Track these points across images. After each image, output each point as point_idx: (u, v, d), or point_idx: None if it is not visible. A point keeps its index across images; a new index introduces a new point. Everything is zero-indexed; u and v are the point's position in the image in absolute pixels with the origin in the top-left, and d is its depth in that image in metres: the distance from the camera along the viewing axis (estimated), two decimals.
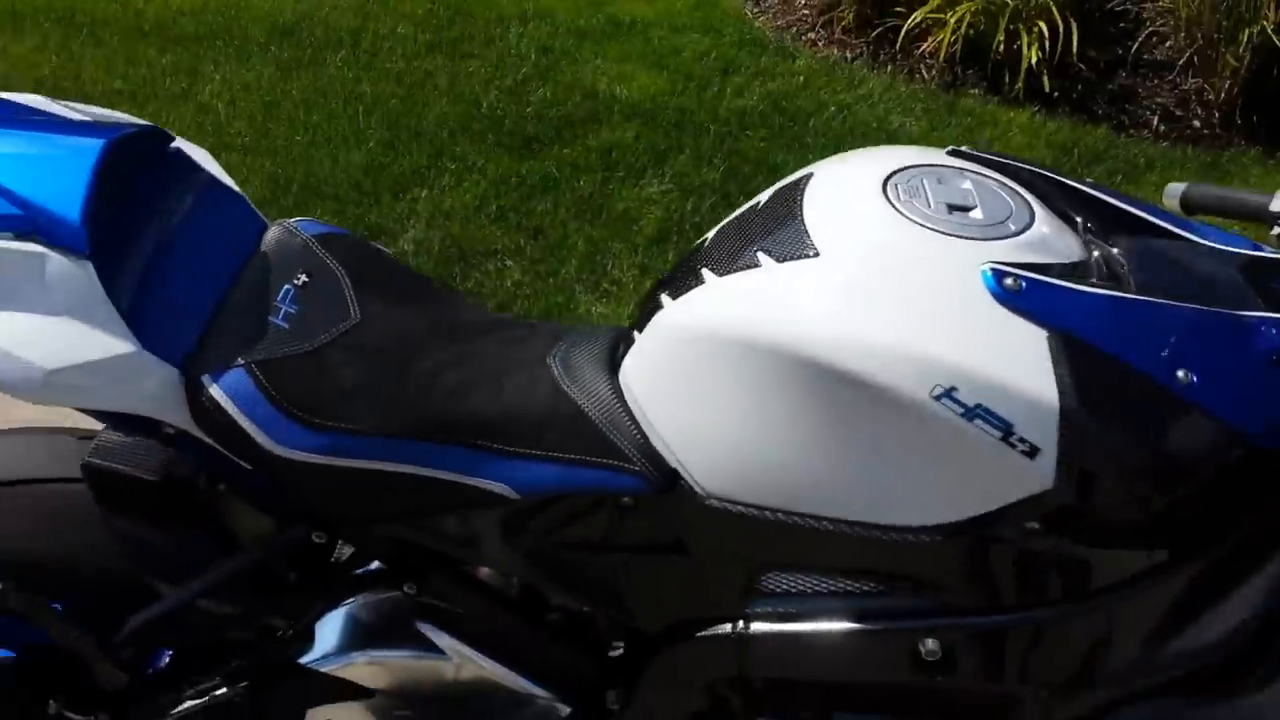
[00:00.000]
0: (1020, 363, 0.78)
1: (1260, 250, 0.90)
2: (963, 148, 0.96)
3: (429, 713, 1.02)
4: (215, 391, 0.87)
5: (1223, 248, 0.90)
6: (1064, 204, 0.91)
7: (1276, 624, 0.86)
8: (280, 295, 0.92)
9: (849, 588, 0.89)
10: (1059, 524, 0.81)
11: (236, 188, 0.98)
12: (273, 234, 0.98)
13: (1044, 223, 0.87)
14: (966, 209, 0.86)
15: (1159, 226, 0.91)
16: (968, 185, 0.88)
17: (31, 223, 0.82)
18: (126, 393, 0.86)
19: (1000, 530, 0.81)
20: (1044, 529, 0.81)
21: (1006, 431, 0.77)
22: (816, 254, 0.84)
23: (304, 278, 0.94)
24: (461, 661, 1.00)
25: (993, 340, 0.79)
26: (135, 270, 0.86)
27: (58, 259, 0.82)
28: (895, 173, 0.89)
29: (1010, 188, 0.90)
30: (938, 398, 0.78)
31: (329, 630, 1.01)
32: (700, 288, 0.87)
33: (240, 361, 0.88)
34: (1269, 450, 0.79)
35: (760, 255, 0.86)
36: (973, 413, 0.77)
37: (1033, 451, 0.77)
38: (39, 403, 0.85)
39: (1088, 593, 0.84)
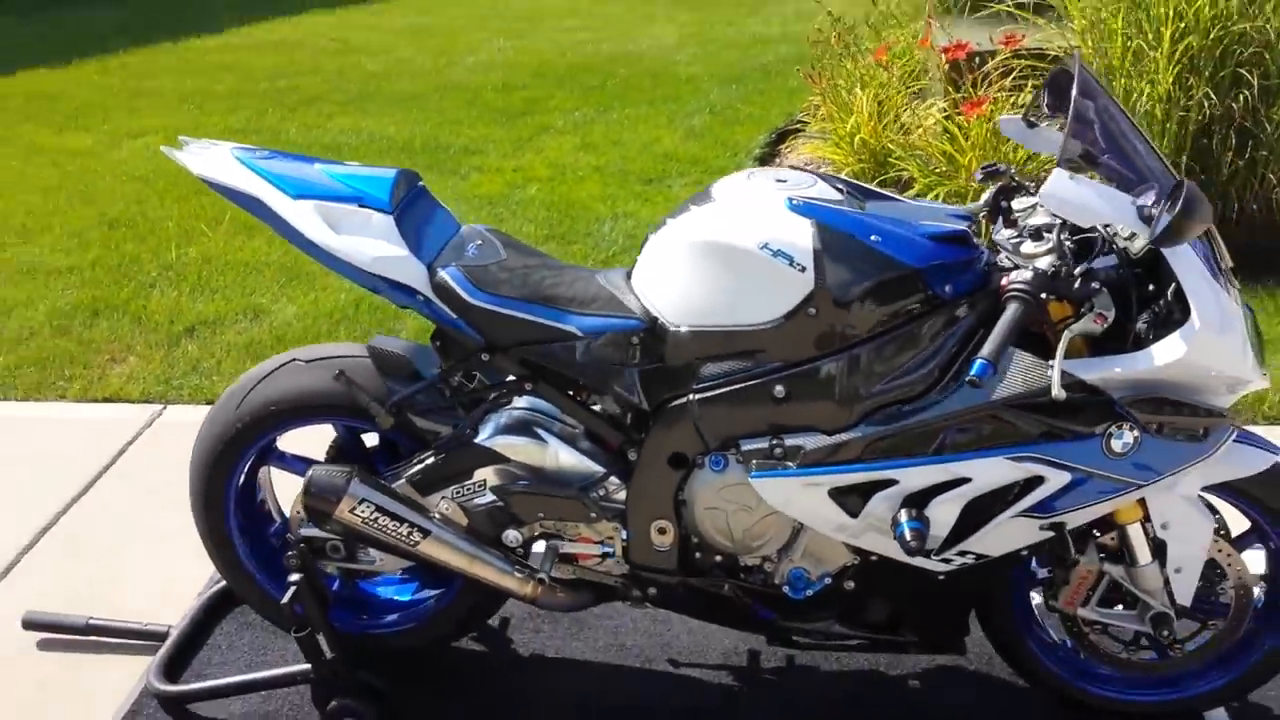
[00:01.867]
0: (798, 230, 1.75)
1: (934, 210, 1.87)
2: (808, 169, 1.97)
3: (529, 469, 1.96)
4: (443, 275, 1.87)
5: (914, 204, 1.87)
6: (843, 186, 1.90)
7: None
8: (469, 247, 1.95)
9: (739, 366, 1.82)
10: (822, 306, 1.75)
11: (439, 202, 2.05)
12: (465, 228, 2.02)
13: (824, 189, 1.85)
14: (797, 185, 1.85)
15: (884, 195, 1.90)
16: (805, 179, 1.88)
17: (360, 201, 1.89)
18: (403, 274, 1.88)
19: (797, 311, 1.75)
20: (816, 312, 1.75)
21: (791, 262, 1.74)
22: (712, 201, 1.85)
23: (479, 241, 1.98)
24: (550, 439, 1.95)
25: (785, 224, 1.76)
26: (410, 222, 1.91)
27: (378, 215, 1.88)
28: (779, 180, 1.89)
29: (822, 181, 1.89)
30: (762, 248, 1.75)
31: (488, 421, 1.97)
32: (664, 224, 1.88)
33: (454, 264, 1.89)
34: (915, 270, 1.73)
35: (693, 206, 1.87)
36: (777, 255, 1.74)
37: (803, 269, 1.73)
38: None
39: (841, 346, 1.77)
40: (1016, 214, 1.87)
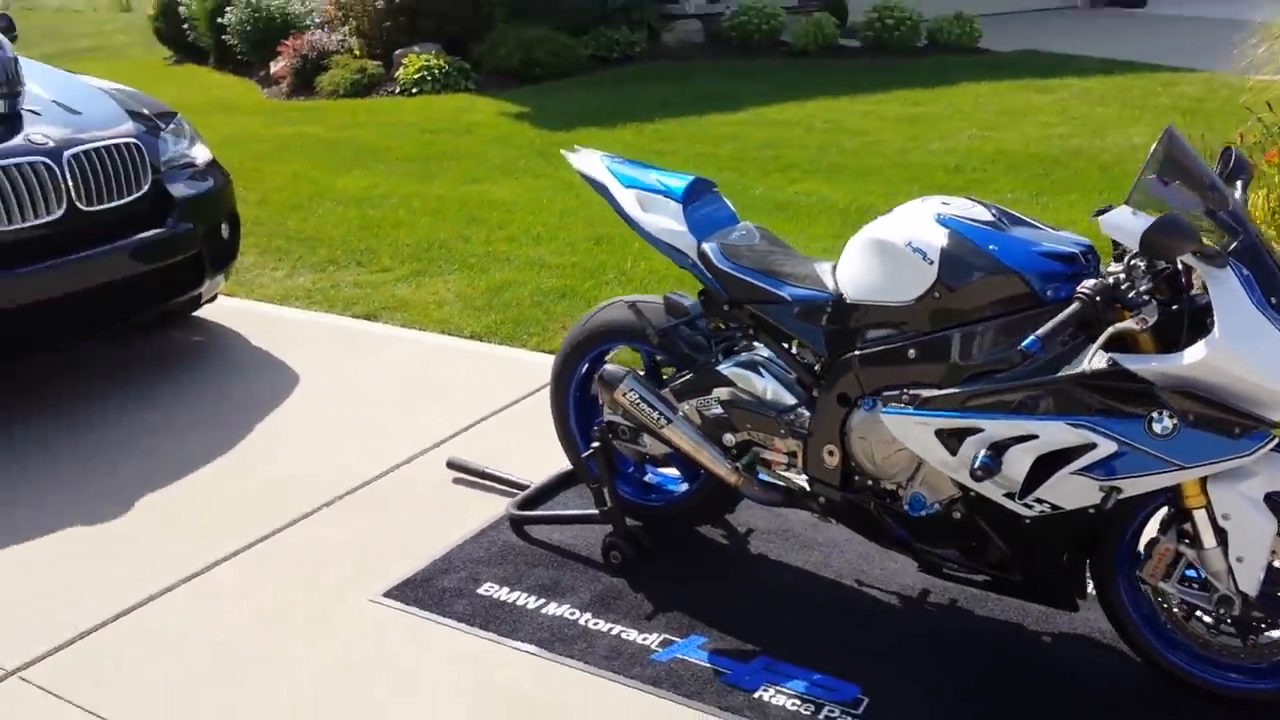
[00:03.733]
0: (935, 234, 2.40)
1: (1064, 238, 2.40)
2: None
3: (747, 393, 2.75)
4: (705, 247, 2.75)
5: (1052, 232, 2.42)
6: (996, 213, 2.48)
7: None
8: (734, 233, 2.81)
9: (888, 333, 2.49)
10: (942, 292, 2.37)
11: (730, 205, 2.92)
12: (741, 223, 2.88)
13: (978, 211, 2.47)
14: (956, 207, 2.49)
15: (1031, 224, 2.46)
16: (966, 204, 2.51)
17: (665, 193, 2.83)
18: (679, 242, 2.78)
19: (925, 295, 2.39)
20: (939, 296, 2.38)
21: (924, 257, 2.39)
22: (890, 213, 2.55)
23: (744, 231, 2.82)
24: (765, 375, 2.74)
25: (927, 229, 2.42)
26: (695, 211, 2.82)
27: (672, 203, 2.81)
28: (944, 203, 2.54)
29: (980, 207, 2.51)
30: (906, 245, 2.42)
31: (727, 356, 2.81)
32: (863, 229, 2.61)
33: (715, 240, 2.76)
34: (1017, 272, 2.30)
35: (880, 218, 2.58)
36: (915, 251, 2.40)
37: (931, 263, 2.38)
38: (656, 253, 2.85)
39: (955, 323, 2.37)
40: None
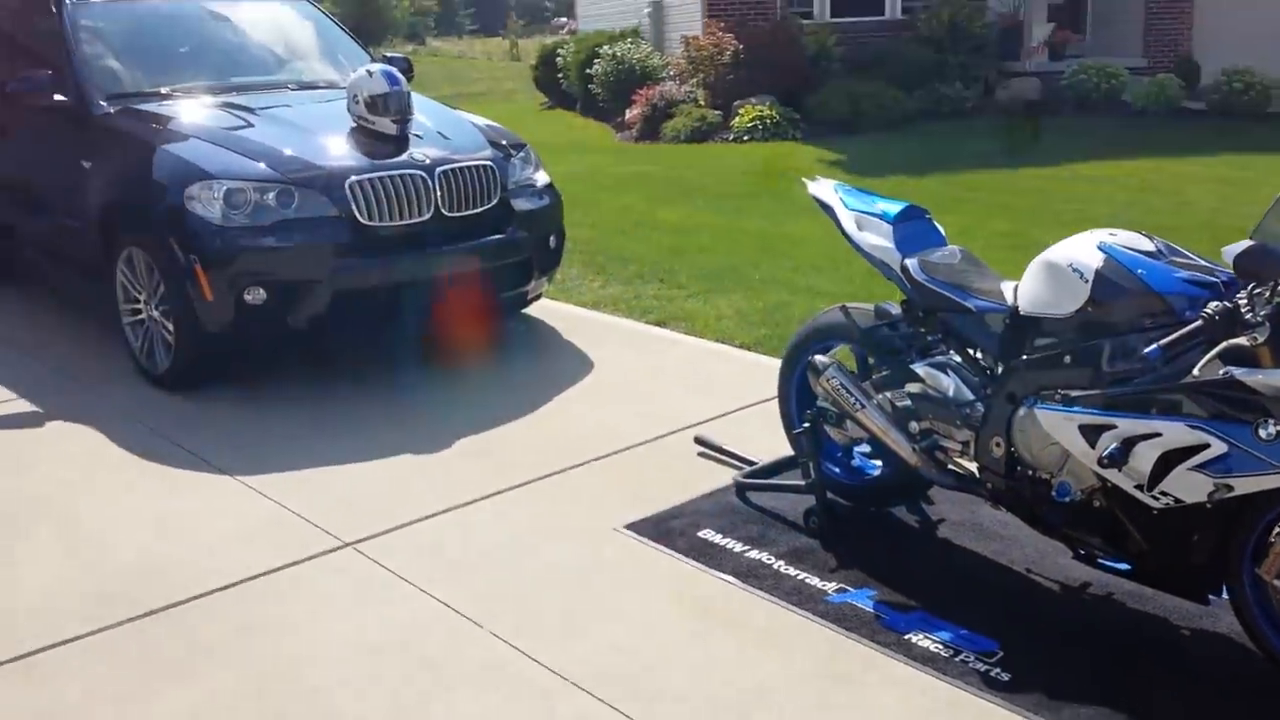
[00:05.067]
0: (1093, 258, 2.79)
1: (1216, 269, 2.71)
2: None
3: (933, 389, 3.21)
4: (907, 262, 3.26)
5: (1205, 263, 2.74)
6: (1163, 247, 2.82)
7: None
8: (937, 253, 3.29)
9: (1050, 341, 2.89)
10: (1093, 308, 2.76)
11: (941, 230, 3.41)
12: (948, 246, 3.35)
13: (1141, 242, 2.82)
14: (1122, 238, 2.86)
15: (1190, 256, 2.79)
16: (1133, 236, 2.88)
17: (880, 216, 3.36)
18: (886, 257, 3.31)
19: (1080, 309, 2.79)
20: (1090, 311, 2.77)
21: (1081, 277, 2.79)
22: (1064, 240, 2.96)
23: (948, 252, 3.29)
24: (949, 374, 3.19)
25: (1088, 254, 2.81)
26: (904, 231, 3.32)
27: (884, 224, 3.35)
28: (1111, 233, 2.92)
29: (1144, 239, 2.86)
30: (1068, 265, 2.83)
31: (920, 357, 3.29)
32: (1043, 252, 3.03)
33: (917, 257, 3.26)
34: (1159, 294, 2.66)
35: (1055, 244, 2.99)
36: (1074, 271, 2.81)
37: (1086, 282, 2.77)
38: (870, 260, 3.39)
39: (1104, 335, 2.74)
40: None
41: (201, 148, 4.90)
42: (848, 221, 3.46)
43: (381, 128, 5.16)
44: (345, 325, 4.90)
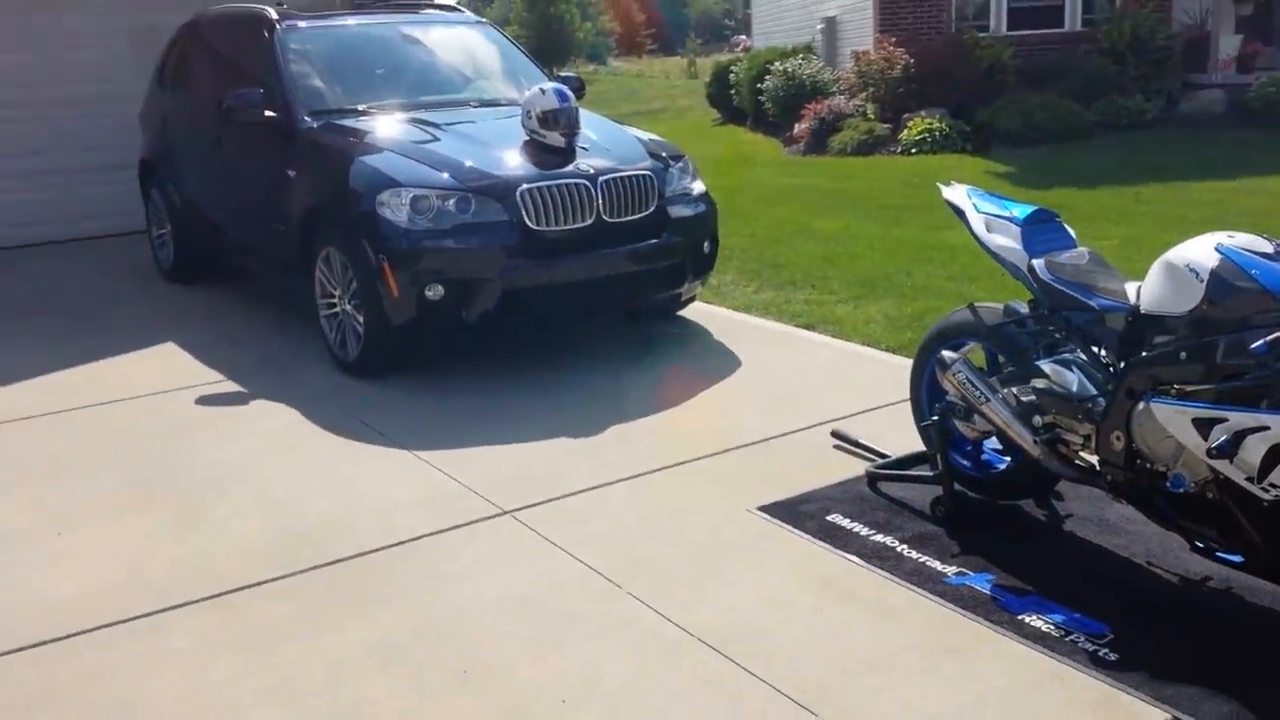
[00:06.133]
0: (1209, 258, 2.88)
1: None
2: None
3: (1057, 384, 3.34)
4: (1033, 262, 3.40)
5: None
6: (1272, 244, 2.89)
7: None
8: (1065, 254, 3.42)
9: (1168, 339, 2.99)
10: (1208, 306, 2.85)
11: (1071, 232, 3.52)
12: (1078, 248, 3.47)
13: (1261, 245, 2.90)
14: (1241, 240, 2.94)
15: None
16: (1255, 240, 2.95)
17: (1009, 219, 3.52)
18: (1013, 257, 3.45)
19: (1196, 308, 2.88)
20: (1205, 309, 2.86)
21: (1197, 277, 2.89)
22: (1184, 241, 3.05)
23: (1076, 253, 3.41)
24: (1073, 370, 3.31)
25: (1205, 254, 2.90)
26: (1032, 234, 3.46)
27: (1012, 226, 3.49)
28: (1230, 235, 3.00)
29: (1265, 242, 2.93)
30: (1184, 265, 2.93)
31: (1045, 354, 3.42)
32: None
33: (1043, 257, 3.40)
34: (1270, 293, 2.73)
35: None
36: (1191, 270, 2.91)
37: (1202, 282, 2.87)
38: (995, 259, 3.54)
39: (1217, 332, 2.83)
40: None
41: (392, 159, 5.42)
42: (978, 224, 3.62)
43: (552, 141, 5.56)
44: (513, 321, 5.32)
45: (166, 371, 5.61)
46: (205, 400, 5.19)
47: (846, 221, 8.42)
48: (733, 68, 17.19)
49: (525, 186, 5.22)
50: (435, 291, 5.09)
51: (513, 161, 5.44)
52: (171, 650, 3.12)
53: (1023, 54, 13.20)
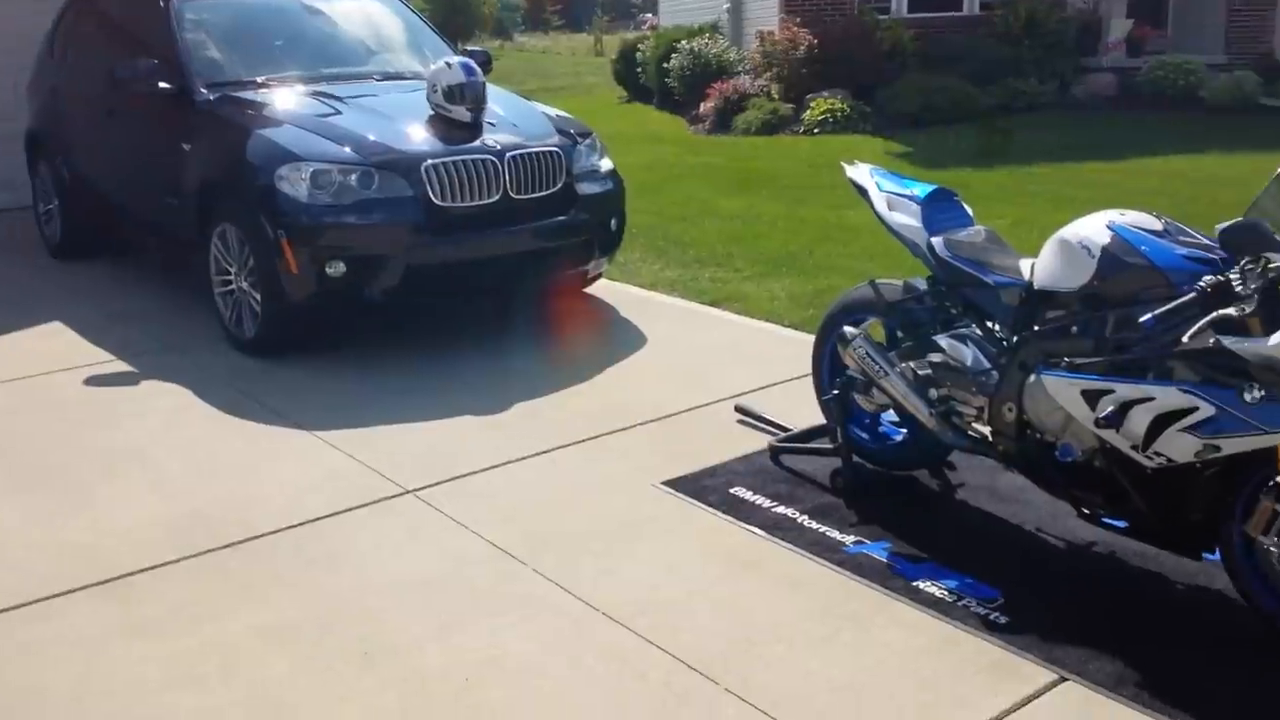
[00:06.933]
0: (1101, 235, 2.98)
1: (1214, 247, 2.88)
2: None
3: (952, 358, 3.42)
4: (932, 240, 3.47)
5: (1207, 241, 2.91)
6: (1170, 226, 3.00)
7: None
8: (963, 232, 3.50)
9: (1058, 314, 3.08)
10: (1099, 282, 2.95)
11: (969, 211, 3.61)
12: (974, 226, 3.55)
13: (1149, 221, 3.00)
14: (1131, 218, 3.05)
15: (1197, 235, 2.96)
16: (1144, 217, 3.06)
17: (909, 197, 3.58)
18: (913, 235, 3.53)
19: (1087, 283, 2.98)
20: (1097, 284, 2.96)
21: (1089, 253, 2.98)
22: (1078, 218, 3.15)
23: (973, 231, 3.49)
24: (968, 344, 3.40)
25: (1097, 231, 3.00)
26: (932, 211, 3.53)
27: (912, 204, 3.56)
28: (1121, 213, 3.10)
29: (1152, 218, 3.04)
30: (1077, 241, 3.02)
31: (943, 329, 3.50)
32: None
33: (941, 235, 3.47)
34: (1158, 268, 2.84)
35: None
36: (1083, 247, 3.00)
37: (1094, 258, 2.96)
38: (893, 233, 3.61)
39: (1107, 307, 2.93)
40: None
41: (292, 132, 5.29)
42: (880, 202, 3.68)
43: (457, 116, 5.49)
44: (418, 298, 5.25)
45: (53, 351, 5.41)
46: (94, 380, 5.01)
47: (751, 200, 8.49)
48: (639, 46, 17.14)
49: (430, 161, 5.15)
50: (336, 268, 4.99)
51: (418, 136, 5.36)
52: (65, 636, 3.02)
53: (923, 37, 13.44)
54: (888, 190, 3.69)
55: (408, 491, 3.86)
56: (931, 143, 10.67)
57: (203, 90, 5.78)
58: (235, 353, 5.32)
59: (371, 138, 5.28)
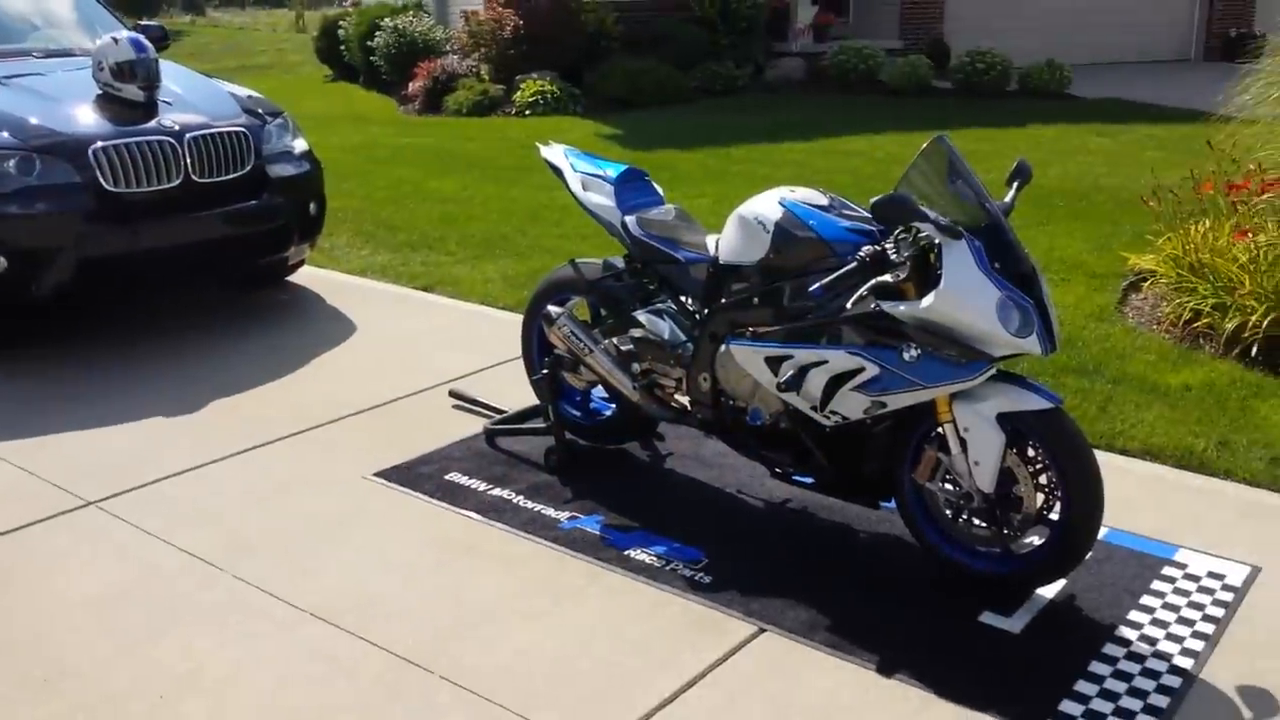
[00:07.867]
0: (774, 211, 3.15)
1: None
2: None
3: (651, 332, 3.53)
4: (626, 219, 3.55)
5: (860, 213, 3.15)
6: (835, 202, 3.22)
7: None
8: (654, 210, 3.60)
9: (743, 286, 3.24)
10: (774, 255, 3.12)
11: (659, 190, 3.72)
12: (665, 205, 3.67)
13: (817, 197, 3.21)
14: (801, 194, 3.24)
15: (858, 211, 3.19)
16: (814, 194, 3.26)
17: (602, 177, 3.65)
18: (607, 214, 3.60)
19: (764, 256, 3.15)
20: (773, 257, 3.13)
21: (764, 228, 3.15)
22: (755, 195, 3.31)
23: (664, 209, 3.61)
24: (665, 319, 3.52)
25: (770, 207, 3.17)
26: (625, 191, 3.62)
27: (606, 185, 3.63)
28: (791, 190, 3.29)
29: (819, 194, 3.25)
30: (753, 218, 3.19)
31: (640, 304, 3.60)
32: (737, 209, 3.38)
33: (634, 214, 3.56)
34: (825, 240, 3.04)
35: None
36: (759, 223, 3.17)
37: (768, 233, 3.13)
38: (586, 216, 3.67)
39: (783, 278, 3.11)
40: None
41: None
42: (575, 183, 3.73)
43: (129, 95, 5.12)
44: (93, 293, 4.85)
45: None
46: None
47: (463, 182, 8.41)
48: (341, 22, 16.55)
49: (99, 145, 4.76)
50: None
51: (85, 118, 4.95)
52: None
53: (625, 20, 13.72)
54: (582, 171, 3.75)
55: (90, 503, 3.58)
56: (639, 125, 10.94)
57: None
58: None
59: (32, 120, 4.83)
